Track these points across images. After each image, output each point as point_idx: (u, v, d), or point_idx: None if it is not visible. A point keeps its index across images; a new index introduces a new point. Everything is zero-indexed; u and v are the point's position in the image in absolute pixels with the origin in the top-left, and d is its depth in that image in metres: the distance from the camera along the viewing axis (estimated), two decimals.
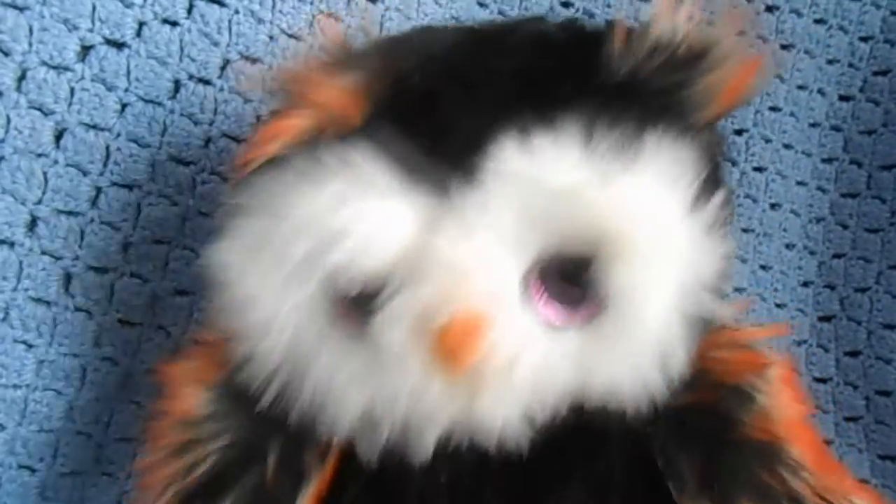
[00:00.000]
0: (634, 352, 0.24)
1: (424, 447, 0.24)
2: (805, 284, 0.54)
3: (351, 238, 0.23)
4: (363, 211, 0.23)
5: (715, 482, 0.25)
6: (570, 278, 0.23)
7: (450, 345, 0.22)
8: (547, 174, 0.22)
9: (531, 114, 0.23)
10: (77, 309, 0.38)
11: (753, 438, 0.26)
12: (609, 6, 0.47)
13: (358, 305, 0.24)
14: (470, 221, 0.22)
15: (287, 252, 0.23)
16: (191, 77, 0.39)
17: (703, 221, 0.24)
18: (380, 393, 0.24)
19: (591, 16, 0.47)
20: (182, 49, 0.38)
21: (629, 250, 0.23)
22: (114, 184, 0.38)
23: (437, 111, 0.24)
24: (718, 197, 0.25)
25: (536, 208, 0.22)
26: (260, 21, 0.40)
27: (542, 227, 0.23)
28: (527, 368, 0.23)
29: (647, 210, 0.23)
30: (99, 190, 0.38)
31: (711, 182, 0.25)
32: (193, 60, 0.38)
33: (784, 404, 0.26)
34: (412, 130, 0.23)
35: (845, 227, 0.53)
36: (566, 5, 0.47)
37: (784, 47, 0.50)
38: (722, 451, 0.25)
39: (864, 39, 0.52)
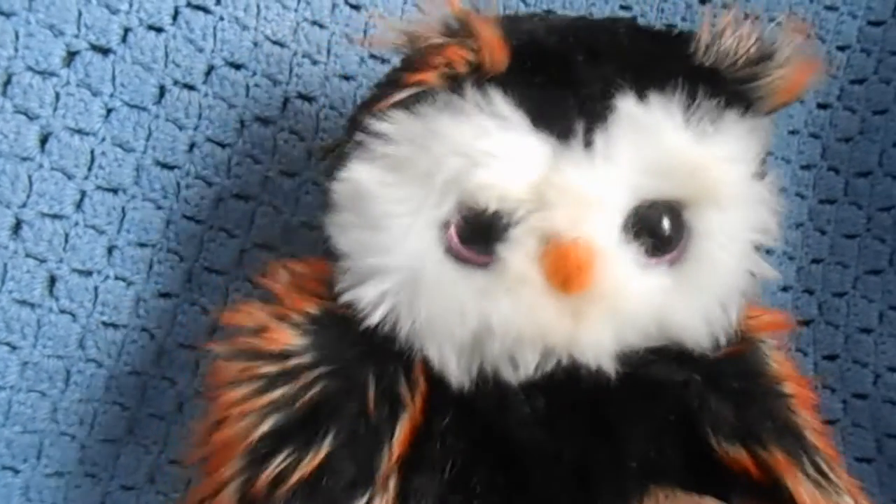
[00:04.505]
0: (707, 294, 0.28)
1: (525, 367, 0.27)
2: (784, 289, 0.54)
3: (492, 162, 0.25)
4: (503, 141, 0.26)
5: (748, 425, 0.28)
6: (659, 226, 0.27)
7: (566, 267, 0.25)
8: (660, 127, 0.26)
9: (647, 80, 0.27)
10: (61, 311, 0.39)
11: (776, 387, 0.29)
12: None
13: (481, 236, 0.26)
14: (594, 159, 0.26)
15: (433, 170, 0.26)
16: (175, 82, 0.39)
17: (762, 191, 0.28)
18: (495, 312, 0.26)
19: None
20: (167, 55, 0.39)
21: (716, 199, 0.27)
22: (98, 188, 0.38)
23: (569, 69, 0.27)
24: (769, 177, 0.29)
25: (648, 155, 0.26)
26: (244, 28, 0.40)
27: (652, 171, 0.26)
28: (628, 298, 0.26)
29: (730, 169, 0.27)
30: (84, 194, 0.38)
31: (764, 163, 0.29)
32: (178, 66, 0.39)
33: (789, 373, 0.30)
34: (546, 82, 0.27)
35: (823, 232, 0.54)
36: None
37: None
38: (752, 398, 0.29)
39: (841, 49, 0.52)
